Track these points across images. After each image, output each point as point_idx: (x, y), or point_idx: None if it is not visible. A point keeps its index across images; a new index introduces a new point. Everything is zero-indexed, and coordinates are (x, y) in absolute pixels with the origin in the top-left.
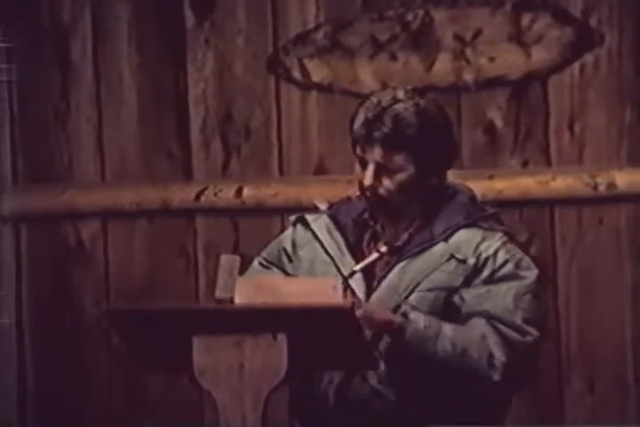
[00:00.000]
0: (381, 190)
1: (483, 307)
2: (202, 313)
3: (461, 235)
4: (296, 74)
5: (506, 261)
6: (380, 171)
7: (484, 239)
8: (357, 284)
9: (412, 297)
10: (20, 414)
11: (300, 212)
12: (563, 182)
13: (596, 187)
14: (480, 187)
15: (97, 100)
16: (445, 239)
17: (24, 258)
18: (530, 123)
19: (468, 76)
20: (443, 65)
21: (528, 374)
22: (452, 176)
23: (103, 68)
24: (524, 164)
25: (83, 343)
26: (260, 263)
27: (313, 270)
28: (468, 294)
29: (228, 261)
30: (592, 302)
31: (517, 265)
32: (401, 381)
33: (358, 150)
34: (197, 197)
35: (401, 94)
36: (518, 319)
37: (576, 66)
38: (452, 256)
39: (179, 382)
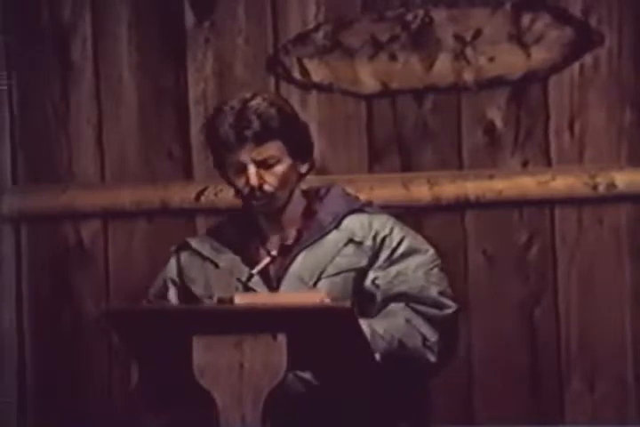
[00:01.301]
0: (267, 187)
1: (399, 290)
2: (202, 313)
3: (351, 220)
4: (296, 74)
5: (403, 238)
6: (261, 168)
7: (374, 221)
8: (259, 287)
9: (321, 283)
10: (20, 413)
11: None
12: (563, 182)
13: (595, 187)
14: (480, 187)
15: (97, 100)
16: (336, 227)
17: (24, 258)
18: (530, 123)
19: (468, 76)
20: (443, 65)
21: (451, 349)
22: (452, 176)
23: (103, 68)
24: (524, 164)
25: (83, 343)
26: (149, 301)
27: (209, 286)
28: (379, 279)
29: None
30: (592, 302)
31: (414, 240)
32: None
33: (230, 157)
34: (197, 197)
35: (246, 95)
36: (434, 294)
37: (576, 66)
38: (350, 240)
39: None
